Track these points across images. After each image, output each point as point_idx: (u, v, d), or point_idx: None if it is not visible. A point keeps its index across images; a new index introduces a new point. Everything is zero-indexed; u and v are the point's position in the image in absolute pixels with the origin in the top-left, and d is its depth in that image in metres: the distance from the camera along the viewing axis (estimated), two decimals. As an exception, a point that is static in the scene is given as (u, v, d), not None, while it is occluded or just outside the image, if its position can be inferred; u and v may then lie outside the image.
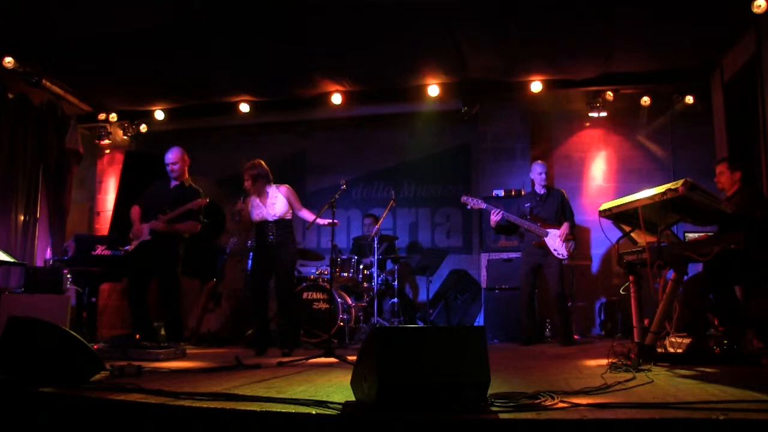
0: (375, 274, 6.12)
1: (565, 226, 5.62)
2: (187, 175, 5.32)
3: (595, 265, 7.20)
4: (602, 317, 6.81)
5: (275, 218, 4.97)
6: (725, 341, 3.91)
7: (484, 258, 6.58)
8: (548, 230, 5.61)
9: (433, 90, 7.04)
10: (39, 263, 7.06)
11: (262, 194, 5.02)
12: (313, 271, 6.46)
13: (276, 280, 5.03)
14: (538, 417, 2.01)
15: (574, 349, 5.23)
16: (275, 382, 3.05)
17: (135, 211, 5.19)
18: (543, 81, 6.88)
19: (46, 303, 5.17)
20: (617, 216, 3.80)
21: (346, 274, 6.14)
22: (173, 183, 5.25)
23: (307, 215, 5.05)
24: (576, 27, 5.68)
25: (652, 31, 5.71)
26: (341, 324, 5.75)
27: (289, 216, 5.05)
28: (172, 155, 5.21)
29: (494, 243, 6.66)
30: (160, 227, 4.99)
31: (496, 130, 7.43)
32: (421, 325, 6.84)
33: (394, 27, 5.73)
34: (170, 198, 5.12)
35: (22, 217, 7.10)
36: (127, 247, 5.14)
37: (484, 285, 6.51)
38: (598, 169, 7.43)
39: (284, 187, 5.09)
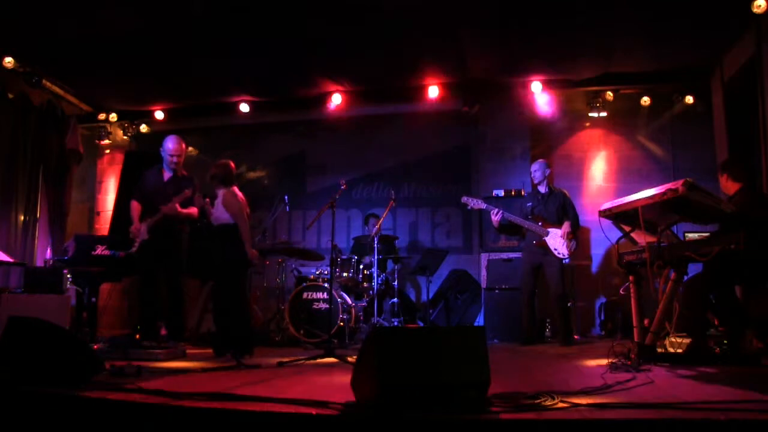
0: (375, 274, 6.12)
1: (566, 226, 5.62)
2: (181, 167, 5.16)
3: (595, 265, 7.19)
4: (602, 317, 6.81)
5: (216, 222, 4.67)
6: (725, 341, 3.91)
7: (484, 258, 6.58)
8: (549, 229, 5.62)
9: (433, 90, 7.05)
10: (39, 263, 7.06)
11: (216, 196, 4.74)
12: (313, 271, 6.45)
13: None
14: (538, 417, 2.01)
15: (574, 349, 5.23)
16: (275, 382, 3.05)
17: (134, 207, 5.06)
18: (543, 81, 6.89)
19: (46, 303, 5.16)
20: (617, 216, 3.80)
21: (346, 274, 6.13)
22: (167, 175, 5.08)
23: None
24: (576, 27, 5.67)
25: (652, 31, 5.72)
26: (341, 324, 5.75)
27: (230, 221, 4.62)
28: (174, 144, 4.99)
29: (494, 243, 6.65)
30: (174, 211, 4.81)
31: (496, 130, 7.43)
32: (421, 325, 6.84)
33: (395, 27, 5.73)
34: (169, 192, 4.96)
35: (22, 217, 7.10)
36: (131, 250, 5.01)
37: (484, 285, 6.51)
38: (598, 169, 7.43)
39: (223, 191, 4.70)
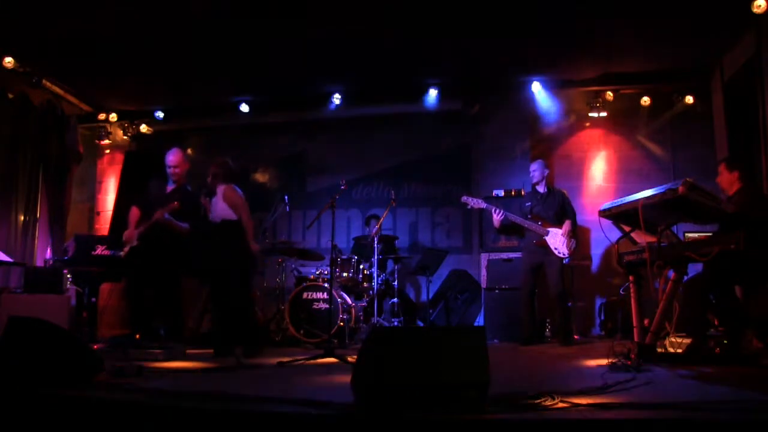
0: (375, 274, 6.12)
1: (566, 224, 5.63)
2: (184, 179, 5.19)
3: (594, 265, 7.19)
4: (602, 317, 6.80)
5: (217, 219, 4.73)
6: (725, 341, 3.91)
7: (484, 258, 6.58)
8: (549, 229, 5.62)
9: (433, 90, 7.05)
10: (39, 263, 7.06)
11: (215, 194, 4.80)
12: (313, 271, 6.45)
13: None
14: (538, 417, 2.01)
15: (574, 349, 5.23)
16: (275, 382, 3.05)
17: (133, 213, 5.07)
18: (543, 81, 6.89)
19: (46, 303, 5.17)
20: (617, 216, 3.80)
21: (346, 274, 6.13)
22: (170, 186, 5.12)
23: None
24: (576, 27, 5.68)
25: (651, 31, 5.72)
26: (341, 324, 5.75)
27: (233, 216, 4.71)
28: (174, 158, 5.06)
29: (494, 243, 6.66)
30: (162, 219, 4.81)
31: (496, 130, 7.43)
32: (421, 325, 6.84)
33: (395, 27, 5.73)
34: (168, 203, 4.92)
35: (22, 217, 7.10)
36: (120, 253, 5.05)
37: (484, 285, 6.51)
38: (598, 169, 7.43)
39: (223, 187, 4.79)
